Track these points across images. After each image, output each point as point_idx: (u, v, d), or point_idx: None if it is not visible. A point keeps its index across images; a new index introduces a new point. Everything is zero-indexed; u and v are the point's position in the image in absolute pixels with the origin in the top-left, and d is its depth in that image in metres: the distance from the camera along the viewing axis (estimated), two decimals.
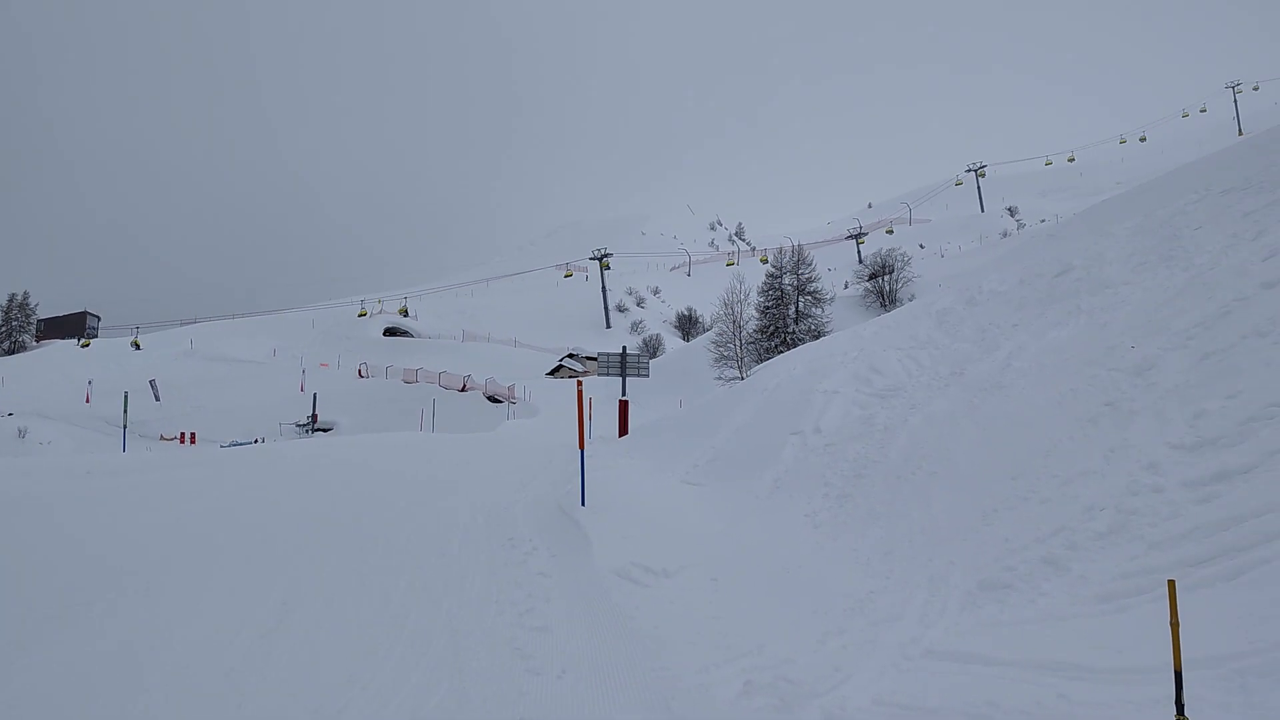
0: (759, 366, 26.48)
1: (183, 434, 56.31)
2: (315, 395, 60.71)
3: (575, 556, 9.98)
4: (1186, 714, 4.63)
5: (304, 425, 58.69)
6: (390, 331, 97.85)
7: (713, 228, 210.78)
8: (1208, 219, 14.94)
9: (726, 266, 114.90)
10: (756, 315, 47.40)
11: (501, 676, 6.72)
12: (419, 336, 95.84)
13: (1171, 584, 4.83)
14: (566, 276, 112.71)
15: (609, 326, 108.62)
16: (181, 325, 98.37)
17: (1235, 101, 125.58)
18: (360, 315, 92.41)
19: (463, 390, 63.21)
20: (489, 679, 6.66)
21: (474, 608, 8.29)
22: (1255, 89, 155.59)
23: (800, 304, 48.28)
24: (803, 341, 40.02)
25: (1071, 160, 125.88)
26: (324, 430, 57.58)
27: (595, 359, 32.91)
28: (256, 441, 44.68)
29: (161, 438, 56.32)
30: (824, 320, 47.62)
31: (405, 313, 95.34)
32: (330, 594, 8.65)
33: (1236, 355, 9.84)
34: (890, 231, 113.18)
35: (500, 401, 59.34)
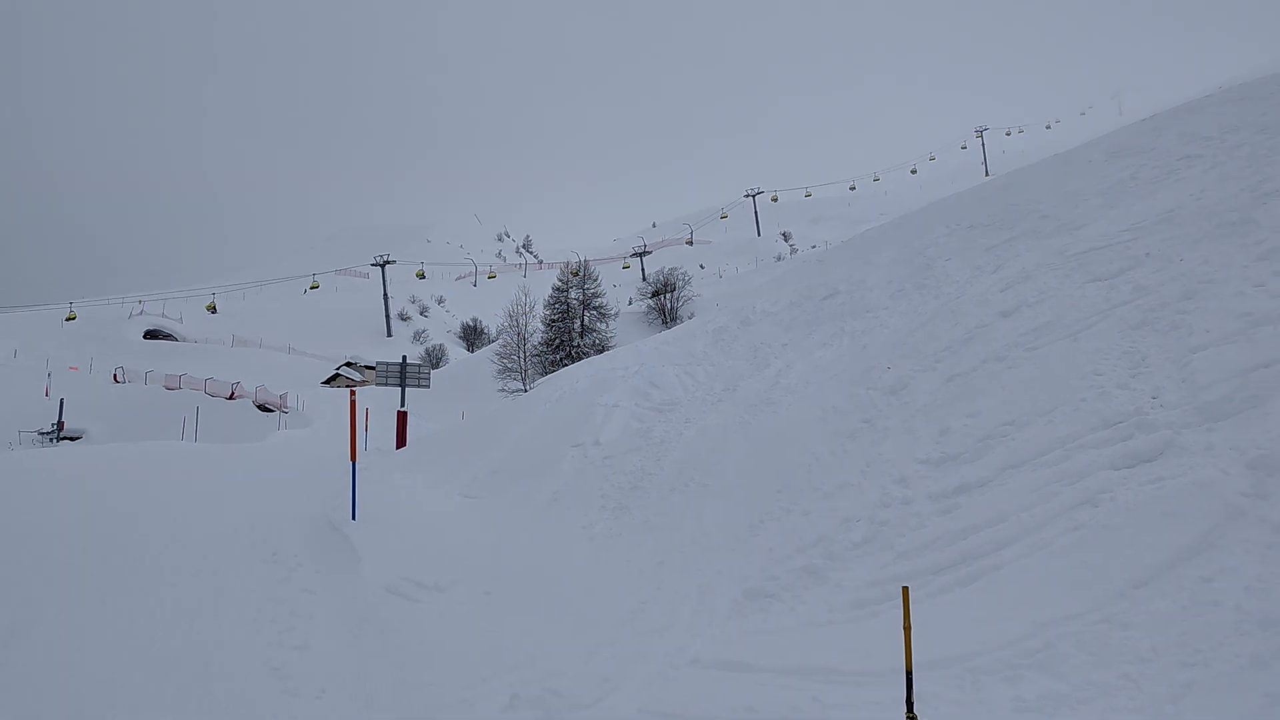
0: (543, 379, 26.56)
1: None
2: (62, 401, 55.81)
3: (343, 572, 9.64)
4: (915, 712, 4.95)
5: (48, 433, 53.81)
6: (152, 334, 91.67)
7: (500, 239, 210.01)
8: (956, 251, 16.19)
9: (488, 279, 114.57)
10: (542, 328, 47.58)
11: (254, 699, 6.38)
12: (184, 340, 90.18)
13: (905, 590, 5.18)
14: (312, 289, 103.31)
15: (390, 335, 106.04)
16: None
17: (983, 145, 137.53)
18: (68, 319, 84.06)
19: (231, 398, 59.89)
20: (240, 702, 6.31)
21: (229, 627, 7.84)
22: (1007, 134, 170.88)
23: (585, 318, 48.82)
24: (587, 355, 40.44)
25: (852, 189, 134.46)
26: (72, 439, 53.03)
27: (374, 368, 31.97)
28: None
29: None
30: (608, 335, 48.36)
31: (213, 309, 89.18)
32: (65, 617, 7.95)
33: (977, 378, 10.69)
34: (690, 243, 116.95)
35: (271, 411, 56.63)
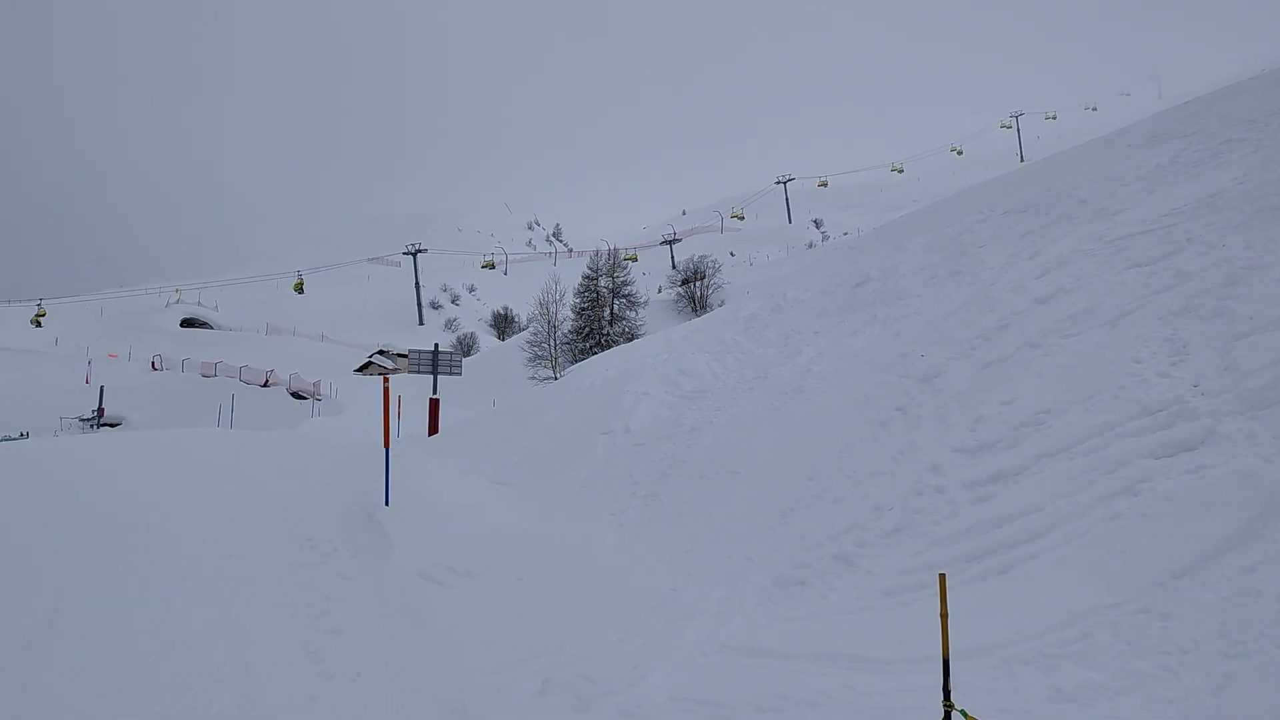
0: (573, 367, 26.57)
1: None
2: (102, 388, 56.63)
3: (377, 558, 9.69)
4: (953, 699, 4.89)
5: (89, 420, 54.63)
6: (188, 323, 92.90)
7: (530, 227, 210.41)
8: (991, 238, 16.00)
9: (482, 269, 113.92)
10: (572, 316, 47.64)
11: (291, 680, 6.43)
12: (219, 328, 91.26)
13: (942, 577, 5.11)
14: (296, 287, 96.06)
15: (422, 323, 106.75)
16: None
17: (1018, 130, 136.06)
18: (39, 317, 79.12)
19: (265, 386, 60.51)
20: (277, 683, 6.36)
21: (266, 611, 7.91)
22: (1048, 118, 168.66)
23: (615, 306, 48.80)
24: (617, 343, 40.42)
25: (899, 171, 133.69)
26: (111, 425, 53.78)
27: (406, 356, 32.20)
28: (22, 436, 41.24)
29: None
30: (638, 323, 48.31)
31: (300, 289, 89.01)
32: (104, 600, 8.04)
33: (1012, 365, 10.56)
34: (740, 215, 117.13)
35: (305, 398, 57.19)
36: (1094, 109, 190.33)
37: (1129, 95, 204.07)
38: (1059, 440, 8.58)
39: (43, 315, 78.84)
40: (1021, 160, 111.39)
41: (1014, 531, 7.63)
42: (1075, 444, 8.38)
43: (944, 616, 4.94)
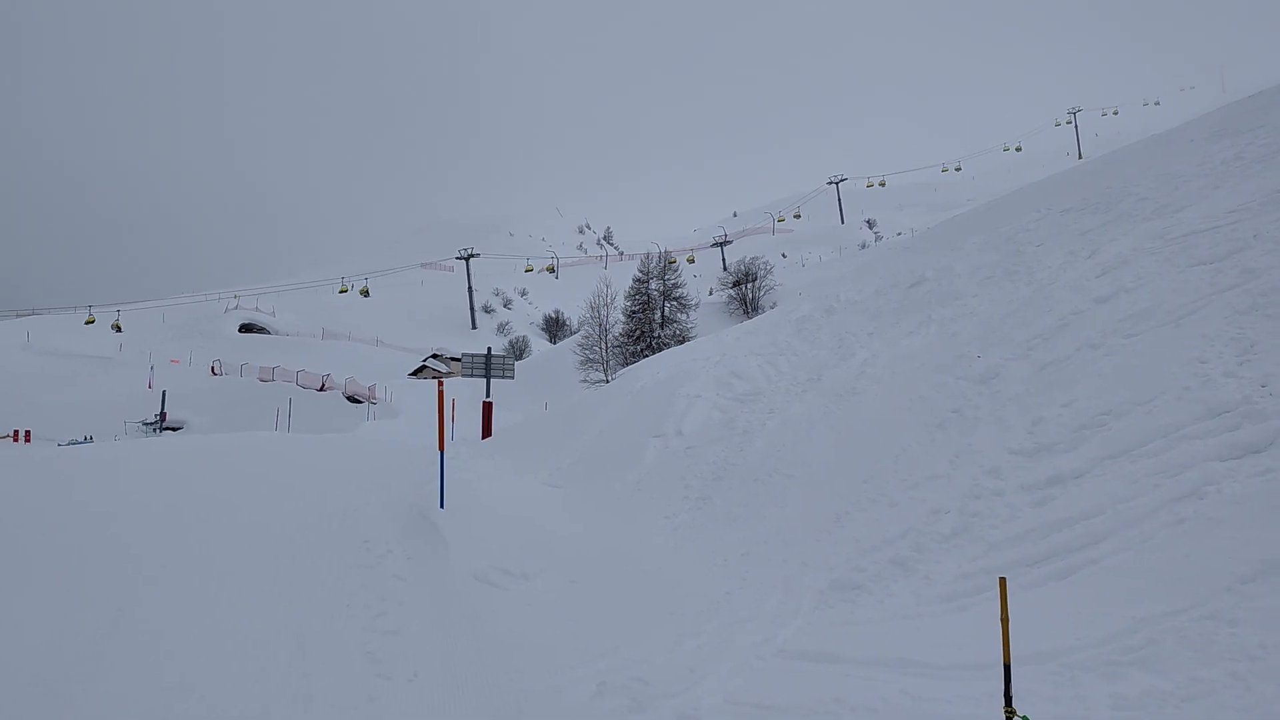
0: (624, 370, 26.61)
1: (15, 432, 52.77)
2: (164, 393, 57.90)
3: (432, 560, 9.77)
4: (1015, 706, 4.81)
5: (152, 424, 55.89)
6: (246, 328, 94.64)
7: (581, 231, 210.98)
8: (1048, 236, 15.75)
9: (526, 272, 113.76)
10: (623, 319, 47.64)
11: (350, 680, 6.51)
12: (277, 334, 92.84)
13: (1002, 581, 5.02)
14: (342, 292, 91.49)
15: (475, 327, 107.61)
16: (18, 317, 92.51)
17: (1076, 127, 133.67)
18: (88, 322, 79.75)
19: (321, 390, 61.39)
20: (336, 683, 6.45)
21: (324, 611, 8.01)
22: (1106, 115, 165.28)
23: (666, 309, 48.75)
24: (668, 346, 40.35)
25: (957, 170, 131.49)
26: (173, 429, 54.98)
27: (459, 360, 32.50)
28: (86, 440, 42.28)
29: None
30: (689, 325, 48.16)
31: (366, 293, 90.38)
32: (168, 598, 8.21)
33: (1072, 366, 10.38)
34: (798, 215, 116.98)
35: (360, 402, 57.90)
36: (1156, 103, 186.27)
37: (1192, 89, 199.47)
38: (1121, 442, 8.43)
39: (92, 321, 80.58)
40: (1080, 158, 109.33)
41: (1074, 535, 7.51)
42: (1138, 446, 8.23)
43: (1005, 621, 4.86)
